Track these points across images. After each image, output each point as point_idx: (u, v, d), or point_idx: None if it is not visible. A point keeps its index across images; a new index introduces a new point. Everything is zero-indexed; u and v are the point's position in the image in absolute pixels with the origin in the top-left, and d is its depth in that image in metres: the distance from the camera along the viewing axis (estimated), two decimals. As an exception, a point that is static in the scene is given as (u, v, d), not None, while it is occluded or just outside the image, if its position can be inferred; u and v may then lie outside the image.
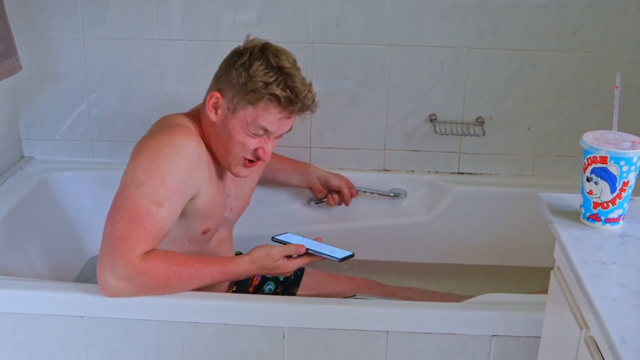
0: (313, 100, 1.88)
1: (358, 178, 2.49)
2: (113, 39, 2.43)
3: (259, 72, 1.81)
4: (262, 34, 1.93)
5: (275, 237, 1.88)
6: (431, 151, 2.53)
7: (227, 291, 2.11)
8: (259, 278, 2.17)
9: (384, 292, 2.27)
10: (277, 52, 1.86)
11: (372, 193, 2.50)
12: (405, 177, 2.55)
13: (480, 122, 2.47)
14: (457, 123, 2.48)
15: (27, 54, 2.38)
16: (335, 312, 1.76)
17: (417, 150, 2.53)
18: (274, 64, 1.82)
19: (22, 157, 2.59)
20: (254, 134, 1.84)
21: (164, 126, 1.86)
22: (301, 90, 1.83)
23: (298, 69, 1.87)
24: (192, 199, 1.84)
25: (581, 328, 1.19)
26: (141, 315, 1.75)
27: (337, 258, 1.80)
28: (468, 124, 2.47)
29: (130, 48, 2.45)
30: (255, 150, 1.87)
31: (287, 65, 1.84)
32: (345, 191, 2.42)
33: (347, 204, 2.44)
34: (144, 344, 1.78)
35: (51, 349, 1.80)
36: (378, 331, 1.73)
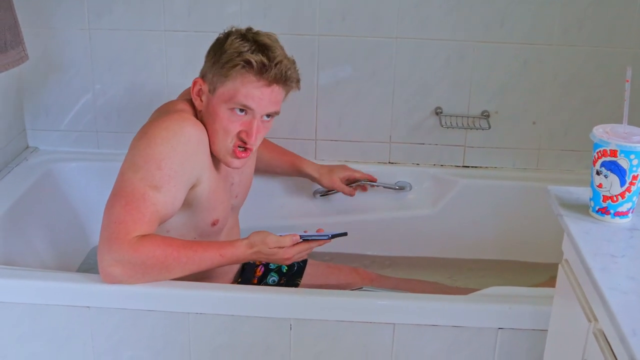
0: (294, 73, 1.82)
1: (363, 170, 2.49)
2: (119, 29, 2.43)
3: (233, 44, 1.79)
4: (268, 26, 1.93)
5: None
6: (436, 144, 2.53)
7: (232, 282, 2.11)
8: (262, 269, 2.17)
9: (386, 283, 2.27)
10: (258, 32, 1.83)
11: (377, 186, 2.50)
12: (410, 170, 2.55)
13: (485, 115, 2.47)
14: (462, 116, 2.47)
15: (32, 44, 2.37)
16: (342, 304, 1.76)
17: (423, 144, 2.53)
18: (250, 37, 1.80)
19: (27, 147, 2.58)
20: (236, 111, 1.79)
21: (162, 113, 1.86)
22: (276, 56, 1.77)
23: (280, 46, 1.82)
24: (194, 187, 1.82)
25: (590, 321, 1.20)
26: (148, 305, 1.75)
27: (328, 235, 1.82)
28: (473, 118, 2.47)
29: (136, 39, 2.44)
30: (239, 133, 1.81)
31: (266, 40, 1.80)
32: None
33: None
34: (150, 334, 1.78)
35: (57, 339, 1.80)
36: (385, 323, 1.74)
